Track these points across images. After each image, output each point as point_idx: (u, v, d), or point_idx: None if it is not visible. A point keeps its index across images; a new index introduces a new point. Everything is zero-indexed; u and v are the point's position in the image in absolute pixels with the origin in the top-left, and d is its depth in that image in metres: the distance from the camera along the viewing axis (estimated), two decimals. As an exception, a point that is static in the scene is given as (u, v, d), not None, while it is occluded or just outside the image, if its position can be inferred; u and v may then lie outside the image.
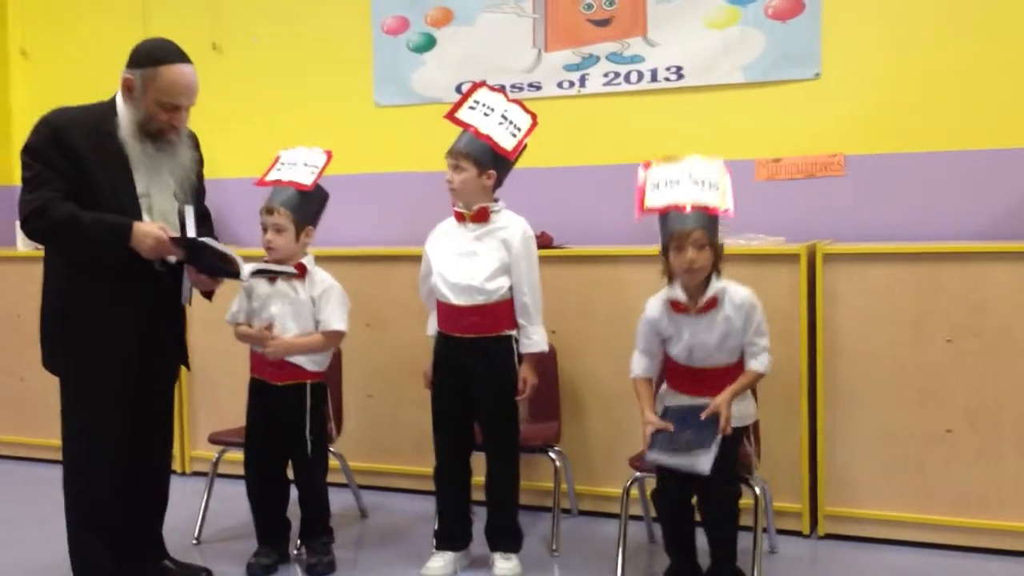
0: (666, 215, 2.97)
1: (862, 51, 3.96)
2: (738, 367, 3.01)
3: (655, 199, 2.99)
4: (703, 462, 2.84)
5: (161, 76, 2.83)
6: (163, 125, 2.88)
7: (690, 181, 2.97)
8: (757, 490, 3.16)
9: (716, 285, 2.96)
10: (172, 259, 2.91)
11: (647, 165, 3.08)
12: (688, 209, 2.91)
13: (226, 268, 2.97)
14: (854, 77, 3.97)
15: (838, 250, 3.61)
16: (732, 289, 3.00)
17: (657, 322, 3.05)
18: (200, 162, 3.13)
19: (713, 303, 2.96)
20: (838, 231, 3.95)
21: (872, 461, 3.56)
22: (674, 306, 3.01)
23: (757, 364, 3.00)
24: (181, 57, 2.89)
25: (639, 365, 3.12)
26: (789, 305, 3.56)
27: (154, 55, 2.86)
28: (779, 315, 3.44)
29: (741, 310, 2.97)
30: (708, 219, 2.93)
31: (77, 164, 2.81)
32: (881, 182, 3.95)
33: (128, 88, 2.87)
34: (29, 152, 2.84)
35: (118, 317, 2.91)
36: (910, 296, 3.49)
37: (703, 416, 2.91)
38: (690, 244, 2.88)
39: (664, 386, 3.12)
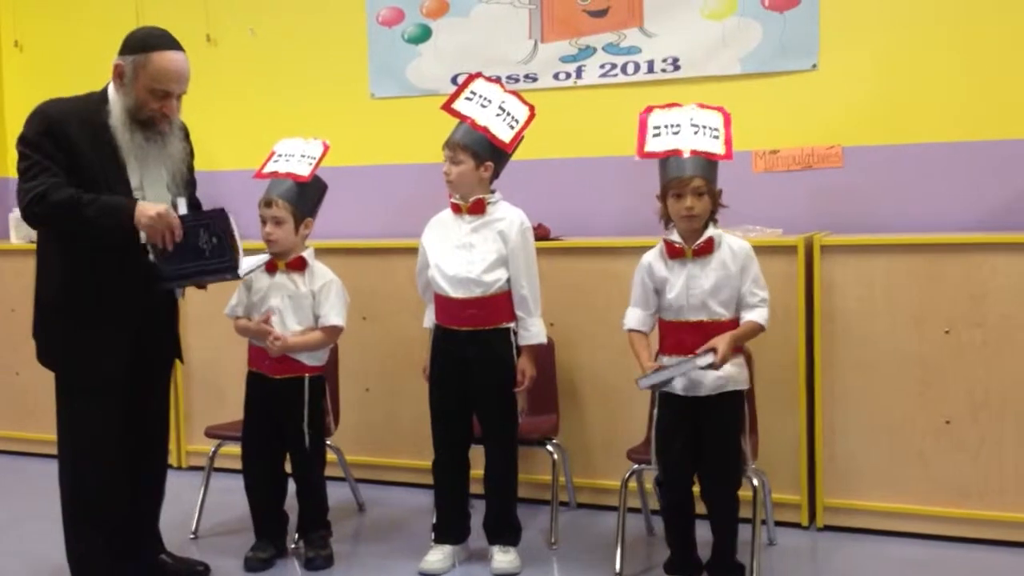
0: (666, 161, 2.97)
1: (860, 42, 3.94)
2: (732, 325, 2.96)
3: (655, 144, 2.99)
4: (702, 360, 2.85)
5: (152, 62, 2.81)
6: (154, 113, 2.86)
7: (690, 127, 2.98)
8: (756, 482, 3.15)
9: (713, 231, 2.96)
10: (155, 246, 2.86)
11: (648, 110, 3.08)
12: (686, 155, 2.93)
13: (216, 265, 2.88)
14: (852, 68, 3.95)
15: (836, 241, 3.60)
16: (729, 238, 3.00)
17: (652, 268, 3.03)
18: (191, 154, 3.11)
19: (709, 247, 2.94)
20: (836, 223, 3.94)
21: (871, 452, 3.55)
22: (669, 249, 2.98)
23: (756, 315, 2.95)
24: (173, 44, 2.86)
25: (632, 317, 3.09)
26: (787, 297, 3.55)
27: (146, 42, 2.84)
28: (777, 306, 3.42)
29: (737, 257, 2.96)
30: (708, 166, 2.94)
31: (72, 155, 2.79)
32: (879, 173, 3.94)
33: (119, 75, 2.84)
34: (25, 143, 2.81)
35: (112, 310, 2.89)
36: (909, 287, 3.49)
37: (698, 351, 2.88)
38: (689, 191, 2.90)
39: (659, 356, 3.05)
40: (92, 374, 2.89)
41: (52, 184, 2.74)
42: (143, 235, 2.80)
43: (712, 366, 2.86)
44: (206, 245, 2.83)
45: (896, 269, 3.50)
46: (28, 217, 2.81)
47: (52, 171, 2.76)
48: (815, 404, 3.60)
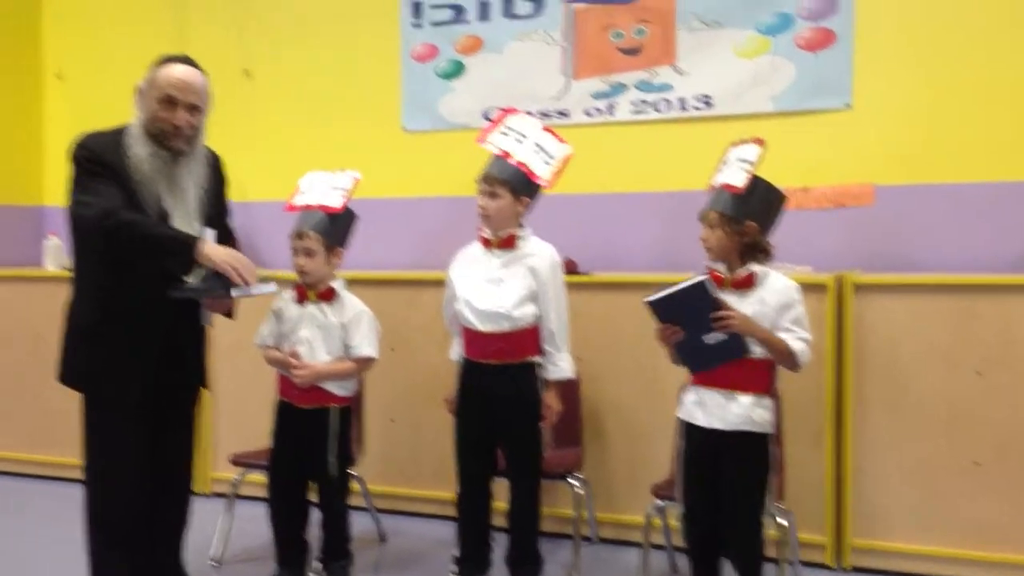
0: None
1: (894, 81, 3.94)
2: (763, 365, 2.92)
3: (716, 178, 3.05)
4: (710, 337, 2.80)
5: (160, 74, 2.89)
6: (164, 125, 2.88)
7: (736, 161, 3.01)
8: (782, 521, 3.11)
9: (757, 266, 2.94)
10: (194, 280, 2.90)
11: (734, 144, 3.11)
12: (715, 187, 3.00)
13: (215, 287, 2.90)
14: (885, 107, 3.95)
15: (868, 280, 3.57)
16: (776, 275, 2.97)
17: None
18: (223, 182, 3.14)
19: (749, 281, 2.92)
20: (867, 262, 3.91)
21: (900, 493, 3.50)
22: (713, 278, 2.96)
23: (793, 342, 2.89)
24: (185, 61, 2.94)
25: None
26: (817, 335, 3.49)
27: (160, 61, 2.94)
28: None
29: (778, 294, 2.92)
30: (731, 200, 2.93)
31: (116, 181, 2.83)
32: (911, 212, 3.91)
33: (138, 93, 2.92)
34: (77, 168, 2.86)
35: (142, 335, 2.92)
36: (941, 328, 3.45)
37: (713, 315, 2.80)
38: (705, 223, 2.96)
39: (687, 386, 3.03)
40: (120, 398, 2.90)
41: (114, 203, 2.77)
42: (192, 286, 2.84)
43: (723, 320, 2.79)
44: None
45: (928, 309, 3.47)
46: (93, 229, 2.79)
47: (112, 191, 2.80)
48: (843, 444, 3.55)
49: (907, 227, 3.91)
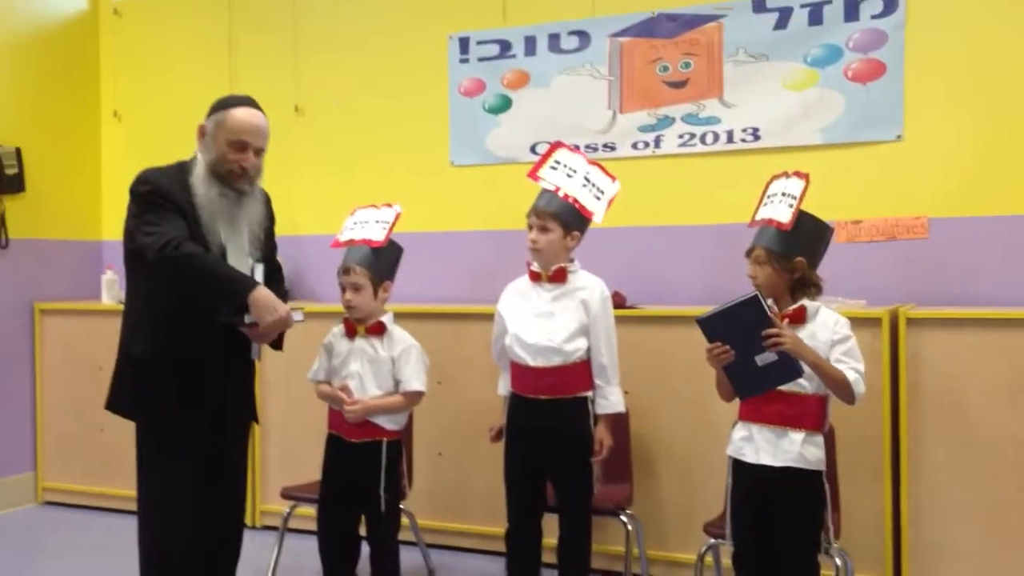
0: None
1: (946, 112, 3.89)
2: (815, 401, 2.89)
3: (759, 213, 3.04)
4: (761, 357, 2.75)
5: (230, 117, 2.94)
6: (232, 166, 2.94)
7: (780, 196, 3.00)
8: (838, 561, 3.05)
9: (808, 301, 2.91)
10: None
11: (773, 178, 3.12)
12: (751, 224, 3.02)
13: None
14: (937, 138, 3.90)
15: (923, 314, 3.51)
16: (827, 311, 2.94)
17: None
18: (272, 219, 3.19)
19: (799, 316, 2.89)
20: (921, 295, 3.85)
21: (960, 535, 3.41)
22: None
23: (848, 373, 2.84)
24: (251, 103, 3.01)
25: None
26: (872, 370, 3.45)
27: (226, 101, 3.00)
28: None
29: (828, 328, 2.89)
30: (776, 236, 2.91)
31: (181, 215, 2.89)
32: (966, 245, 3.85)
33: (201, 134, 2.98)
34: (142, 201, 2.90)
35: (198, 368, 2.96)
36: (1000, 363, 3.37)
37: (765, 332, 2.76)
38: (751, 260, 2.95)
39: (737, 423, 3.00)
40: (176, 432, 2.94)
41: (181, 234, 2.82)
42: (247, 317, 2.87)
43: (774, 337, 2.76)
44: None
45: (987, 344, 3.39)
46: (159, 257, 2.81)
47: (174, 223, 2.85)
48: (901, 483, 3.48)
49: (962, 260, 3.85)
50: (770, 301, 2.92)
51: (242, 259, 3.01)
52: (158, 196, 2.88)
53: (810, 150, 4.09)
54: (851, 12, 4.02)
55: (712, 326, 2.79)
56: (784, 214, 2.93)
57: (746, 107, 4.21)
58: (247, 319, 2.84)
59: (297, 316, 2.91)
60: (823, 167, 4.04)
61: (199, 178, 2.94)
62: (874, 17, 3.99)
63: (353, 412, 3.30)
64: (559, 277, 3.28)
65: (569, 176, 3.35)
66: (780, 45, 4.14)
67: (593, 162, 3.48)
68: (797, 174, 3.04)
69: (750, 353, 2.77)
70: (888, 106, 3.97)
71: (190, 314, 2.90)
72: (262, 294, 2.81)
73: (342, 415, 3.37)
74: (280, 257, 3.29)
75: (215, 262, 2.86)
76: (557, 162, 3.39)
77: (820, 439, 2.90)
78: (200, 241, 2.88)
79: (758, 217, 3.02)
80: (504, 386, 3.41)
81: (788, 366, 2.78)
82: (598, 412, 3.26)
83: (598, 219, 3.34)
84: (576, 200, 3.28)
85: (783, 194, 3.00)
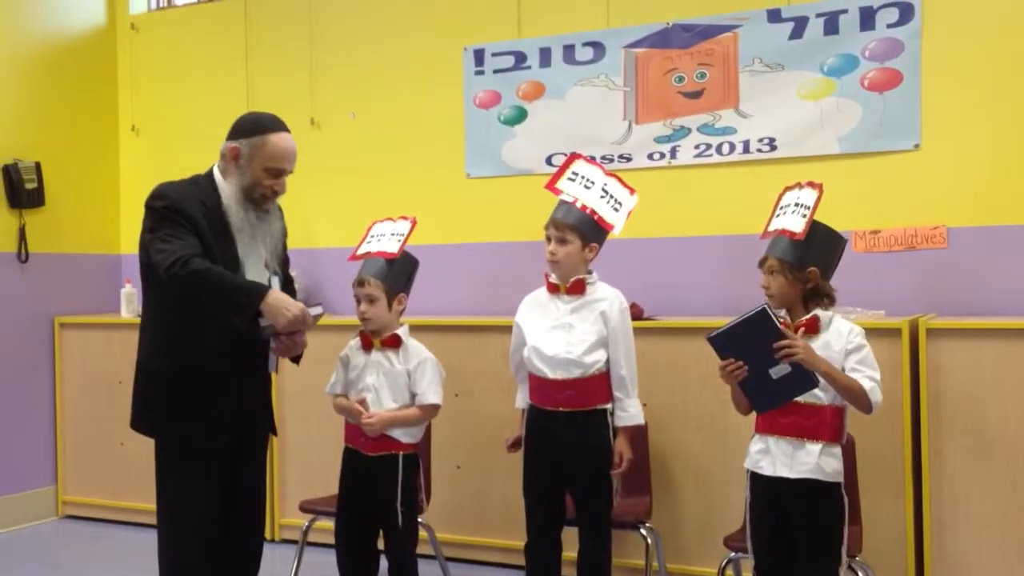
0: None
1: (964, 121, 3.87)
2: (832, 412, 2.87)
3: (772, 224, 3.04)
4: (774, 370, 2.75)
5: (269, 143, 2.95)
6: (266, 191, 2.98)
7: (794, 207, 2.99)
8: (860, 575, 3.02)
9: (821, 311, 2.90)
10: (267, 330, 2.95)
11: (785, 189, 3.11)
12: (763, 235, 3.02)
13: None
14: (956, 147, 3.88)
15: (943, 325, 3.49)
16: (840, 320, 2.93)
17: None
18: (285, 233, 3.21)
19: (812, 326, 2.88)
20: (941, 305, 3.82)
21: (984, 548, 3.38)
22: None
23: (864, 382, 2.82)
24: (285, 127, 3.02)
25: None
26: (891, 381, 3.43)
27: (261, 124, 2.99)
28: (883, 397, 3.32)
29: (842, 337, 2.88)
30: (789, 246, 2.91)
31: (195, 231, 2.90)
32: (986, 255, 3.82)
33: (234, 156, 2.97)
34: (156, 212, 2.91)
35: (218, 384, 2.96)
36: (1022, 373, 3.34)
37: (776, 344, 2.75)
38: (764, 271, 2.95)
39: (754, 436, 2.98)
40: (196, 447, 2.94)
41: (192, 251, 2.83)
42: (262, 321, 2.87)
43: (785, 348, 2.75)
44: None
45: (1008, 354, 3.36)
46: (168, 276, 2.82)
47: (190, 241, 2.86)
48: (922, 495, 3.45)
49: (981, 269, 3.82)
50: (782, 312, 2.91)
51: (260, 274, 3.03)
52: (173, 212, 2.89)
53: (827, 160, 4.07)
54: (867, 21, 4.01)
55: (723, 343, 2.79)
56: (797, 224, 2.93)
57: (762, 117, 4.20)
58: (262, 323, 2.83)
59: (315, 311, 2.90)
60: (840, 177, 4.02)
61: (233, 200, 2.95)
62: (890, 26, 3.97)
63: (370, 425, 3.30)
64: (577, 289, 3.27)
65: (587, 188, 3.35)
66: (796, 55, 4.13)
67: (611, 173, 3.48)
68: (811, 184, 3.03)
69: (764, 367, 2.77)
70: (905, 115, 3.95)
71: (207, 328, 2.91)
72: (273, 297, 2.82)
73: (358, 428, 3.37)
74: (296, 269, 3.30)
75: (223, 274, 2.84)
76: (575, 173, 3.39)
77: (838, 450, 2.89)
78: (216, 257, 2.89)
79: (771, 228, 3.02)
80: (522, 399, 3.40)
81: (803, 377, 2.76)
82: (617, 424, 3.25)
83: (617, 231, 3.33)
84: (594, 212, 3.28)
85: (796, 204, 3.00)
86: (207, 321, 2.89)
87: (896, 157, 3.97)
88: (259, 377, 3.12)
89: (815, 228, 2.93)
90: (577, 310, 3.27)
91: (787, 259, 2.90)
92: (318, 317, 2.92)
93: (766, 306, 2.77)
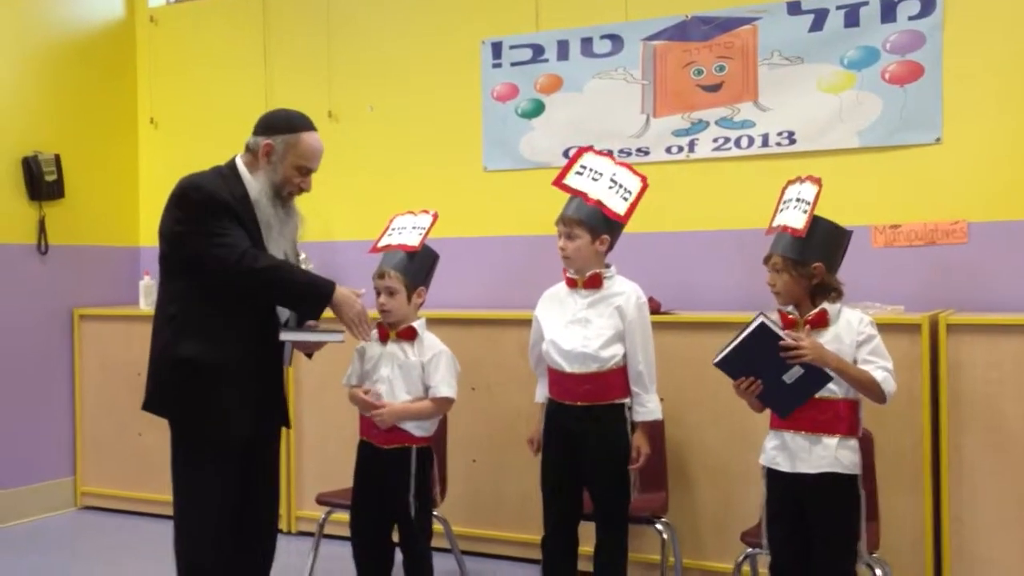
0: None
1: (986, 115, 3.83)
2: (847, 405, 2.86)
3: (776, 219, 3.03)
4: (788, 375, 2.75)
5: (303, 142, 3.01)
6: (294, 188, 3.04)
7: (795, 202, 2.99)
8: (879, 572, 3.01)
9: (829, 304, 2.89)
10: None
11: (788, 183, 3.11)
12: (767, 232, 3.02)
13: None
14: (977, 141, 3.84)
15: (963, 320, 3.46)
16: (849, 312, 2.92)
17: None
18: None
19: (822, 319, 2.87)
20: (961, 301, 3.79)
21: (1003, 544, 3.35)
22: (783, 320, 2.93)
23: (876, 373, 2.82)
24: (314, 125, 3.08)
25: None
26: (911, 377, 3.41)
27: (293, 123, 3.03)
28: (900, 386, 3.25)
29: (852, 329, 2.87)
30: (792, 242, 2.90)
31: (239, 223, 2.93)
32: (1006, 250, 3.78)
33: (267, 153, 2.99)
34: (196, 207, 2.91)
35: (245, 375, 2.97)
36: (1043, 370, 3.31)
37: (783, 343, 2.75)
38: (769, 268, 2.95)
39: (769, 432, 2.97)
40: (219, 438, 2.94)
41: (249, 244, 2.88)
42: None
43: (793, 352, 2.74)
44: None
45: (1028, 350, 3.33)
46: (236, 271, 2.84)
47: (239, 232, 2.90)
48: (941, 491, 3.43)
49: (1002, 265, 3.78)
50: (790, 308, 2.90)
51: None
52: (214, 203, 2.91)
53: (847, 154, 4.04)
54: (888, 13, 3.97)
55: (731, 364, 2.81)
56: (798, 220, 2.92)
57: (781, 110, 4.17)
58: (322, 333, 2.99)
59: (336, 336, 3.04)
60: (860, 171, 4.00)
61: (263, 195, 2.99)
62: (911, 18, 3.93)
63: (380, 416, 3.30)
64: (594, 283, 3.27)
65: (594, 180, 3.34)
66: (816, 47, 4.10)
67: (621, 163, 3.46)
68: (811, 179, 3.02)
69: (777, 375, 2.78)
70: (926, 108, 3.91)
71: (239, 319, 2.93)
72: (342, 293, 2.95)
73: (372, 421, 3.38)
74: (315, 262, 3.32)
75: (292, 270, 2.96)
76: (583, 167, 3.37)
77: (855, 443, 2.88)
78: (259, 247, 2.95)
79: (774, 224, 3.02)
80: (541, 393, 3.40)
81: (816, 374, 2.77)
82: (635, 420, 3.24)
83: (621, 217, 3.30)
84: (600, 203, 3.27)
85: (797, 199, 2.99)
86: (246, 314, 2.94)
87: (917, 151, 3.94)
88: (277, 370, 3.13)
89: (817, 223, 2.92)
90: (594, 304, 3.26)
91: (790, 256, 2.90)
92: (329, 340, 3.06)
93: (763, 317, 2.77)
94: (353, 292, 3.01)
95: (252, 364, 2.99)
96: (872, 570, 3.00)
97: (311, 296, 2.95)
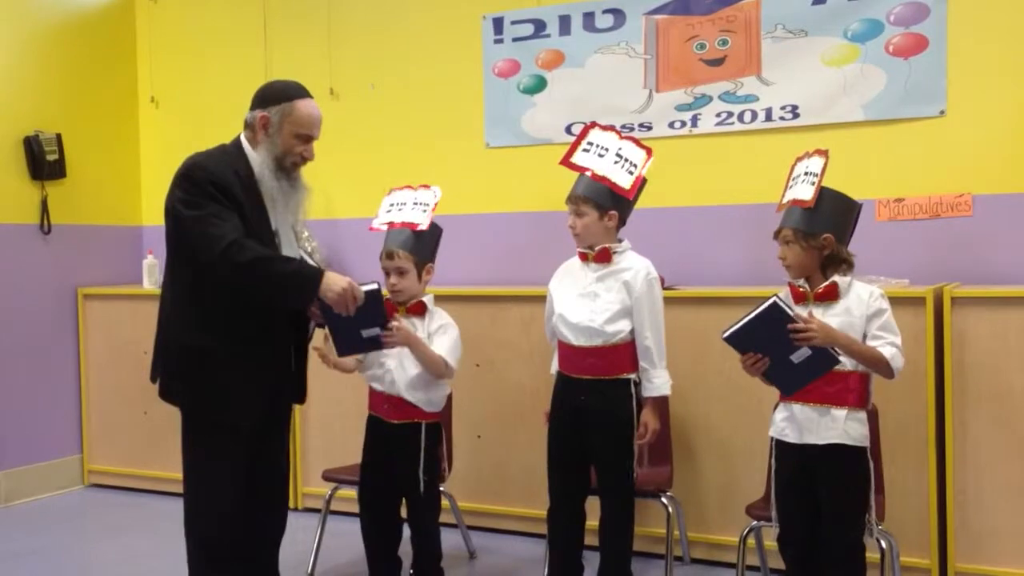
0: None
1: (990, 87, 3.81)
2: (857, 378, 2.87)
3: (786, 195, 3.04)
4: (796, 355, 2.75)
5: (298, 109, 2.98)
6: (296, 158, 3.00)
7: (804, 176, 2.99)
8: (884, 544, 3.02)
9: (839, 277, 2.90)
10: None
11: (799, 158, 3.10)
12: (778, 208, 3.02)
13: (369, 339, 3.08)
14: (982, 114, 3.82)
15: (968, 293, 3.46)
16: (860, 285, 2.92)
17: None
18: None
19: (832, 292, 2.88)
20: (965, 273, 3.79)
21: (1008, 516, 3.37)
22: (793, 293, 2.94)
23: (883, 347, 2.83)
24: (308, 92, 3.05)
25: None
26: (915, 350, 3.41)
27: (287, 92, 3.01)
28: (905, 359, 3.30)
29: (862, 302, 2.88)
30: (802, 215, 2.91)
31: (236, 205, 2.89)
32: (1011, 223, 3.78)
33: (264, 125, 2.97)
34: (196, 189, 2.87)
35: (260, 361, 2.97)
36: (1047, 342, 3.31)
37: (791, 325, 2.74)
38: (780, 240, 2.95)
39: (778, 405, 2.98)
40: (231, 423, 2.94)
41: (242, 234, 2.83)
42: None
43: (802, 334, 2.73)
44: (366, 316, 2.98)
45: (1033, 323, 3.34)
46: (222, 262, 2.80)
47: (234, 222, 2.85)
48: (946, 464, 3.44)
49: (1006, 237, 3.78)
50: (801, 282, 2.89)
51: (291, 242, 3.06)
52: (213, 187, 2.87)
53: (851, 127, 4.03)
54: (892, -15, 3.95)
55: (740, 339, 2.80)
56: (806, 192, 2.93)
57: (785, 84, 4.15)
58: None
59: (370, 287, 2.94)
60: (864, 144, 3.98)
61: (265, 169, 2.96)
62: (916, -10, 3.91)
63: (393, 337, 3.17)
64: (603, 257, 3.27)
65: (600, 156, 3.33)
66: (819, 20, 4.07)
67: (626, 136, 3.45)
68: (818, 152, 3.02)
69: (784, 354, 2.78)
70: (931, 81, 3.89)
71: (258, 306, 2.92)
72: (329, 279, 2.85)
73: (381, 396, 3.38)
74: (316, 240, 3.30)
75: (277, 261, 2.88)
76: (590, 143, 3.37)
77: (863, 415, 2.89)
78: (254, 230, 2.89)
79: (784, 200, 3.02)
80: (555, 365, 3.41)
81: (824, 355, 2.77)
82: (643, 395, 3.25)
83: (625, 191, 3.29)
84: (606, 178, 3.27)
85: (806, 173, 3.00)
86: (257, 302, 2.91)
87: (921, 124, 3.92)
88: (301, 350, 3.14)
89: (825, 194, 2.93)
90: (603, 279, 3.27)
91: (800, 227, 2.90)
92: (373, 293, 2.95)
93: (777, 299, 2.77)
94: (347, 280, 2.89)
95: (262, 347, 2.97)
96: (878, 542, 3.01)
97: (294, 287, 2.86)
